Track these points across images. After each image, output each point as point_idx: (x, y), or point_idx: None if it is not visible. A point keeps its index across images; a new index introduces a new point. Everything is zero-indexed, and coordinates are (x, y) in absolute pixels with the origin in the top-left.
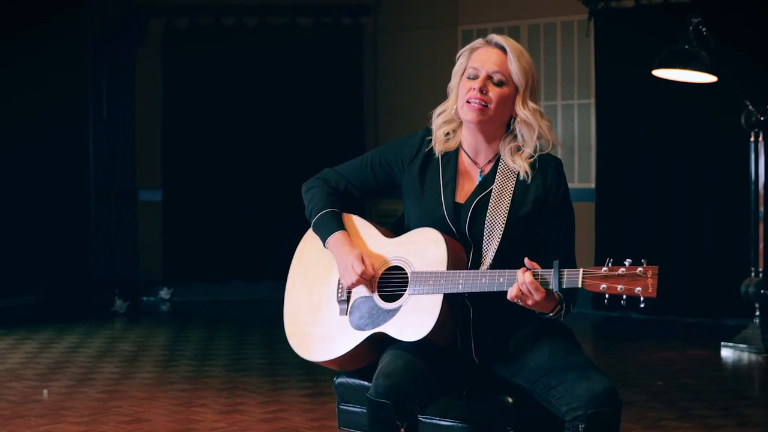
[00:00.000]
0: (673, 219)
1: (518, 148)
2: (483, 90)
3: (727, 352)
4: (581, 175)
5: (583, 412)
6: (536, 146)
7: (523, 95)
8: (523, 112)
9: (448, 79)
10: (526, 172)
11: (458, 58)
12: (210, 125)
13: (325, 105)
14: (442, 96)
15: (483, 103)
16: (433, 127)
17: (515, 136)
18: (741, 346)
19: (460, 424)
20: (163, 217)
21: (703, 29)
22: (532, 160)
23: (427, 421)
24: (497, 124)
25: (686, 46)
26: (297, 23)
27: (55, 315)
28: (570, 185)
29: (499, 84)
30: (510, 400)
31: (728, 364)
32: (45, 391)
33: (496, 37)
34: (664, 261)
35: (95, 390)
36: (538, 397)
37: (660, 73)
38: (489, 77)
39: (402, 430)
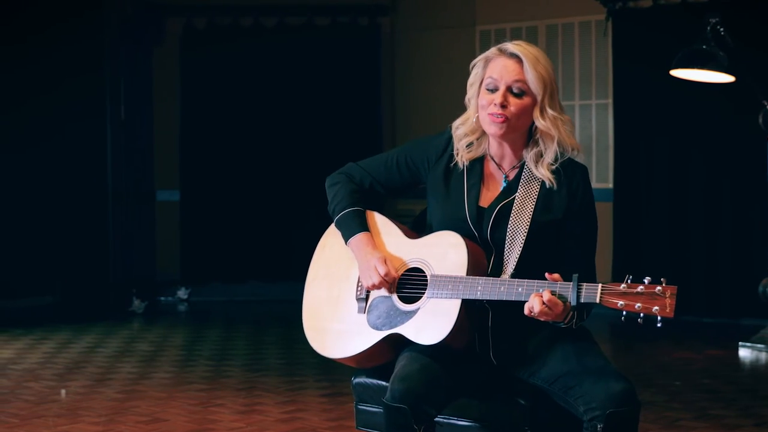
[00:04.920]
0: (691, 219)
1: (541, 155)
2: (504, 104)
3: (744, 352)
4: (599, 176)
5: (601, 412)
6: (557, 153)
7: (541, 104)
8: (542, 123)
9: (466, 78)
10: (550, 180)
11: (472, 68)
12: (228, 125)
13: (342, 105)
14: (460, 96)
15: (505, 117)
16: (454, 139)
17: (537, 142)
18: (759, 346)
19: (477, 425)
20: (181, 217)
21: (721, 29)
22: (554, 167)
23: (444, 421)
24: (520, 132)
25: (704, 46)
26: (314, 23)
27: (73, 315)
28: None
29: (519, 94)
30: (527, 401)
31: (746, 364)
32: (63, 391)
33: (510, 47)
34: (682, 261)
35: (113, 390)
36: (556, 398)
37: (678, 73)
38: (509, 88)
39: None
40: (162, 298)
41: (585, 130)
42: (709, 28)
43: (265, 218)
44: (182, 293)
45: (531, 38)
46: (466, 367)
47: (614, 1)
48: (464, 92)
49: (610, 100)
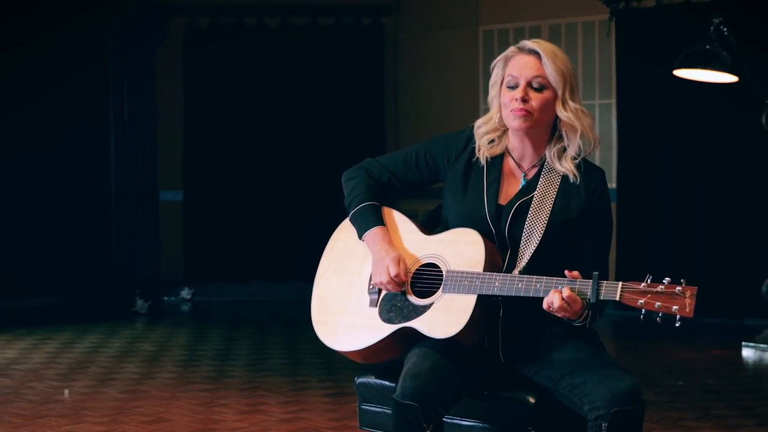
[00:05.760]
0: (694, 218)
1: (564, 150)
2: (525, 99)
3: (748, 352)
4: None
5: (606, 411)
6: (579, 146)
7: (563, 97)
8: (565, 114)
9: (469, 78)
10: (574, 174)
11: (493, 68)
12: (231, 125)
13: (345, 105)
14: (464, 96)
15: (527, 111)
16: (476, 137)
17: (560, 137)
18: (762, 346)
19: (481, 424)
20: (184, 217)
21: (725, 29)
22: (577, 161)
23: (449, 421)
24: (543, 127)
25: (707, 46)
26: (318, 23)
27: (76, 315)
28: None
29: (540, 89)
30: (532, 400)
31: (749, 364)
32: (66, 391)
33: (528, 43)
34: (685, 261)
35: (116, 390)
36: (561, 397)
37: (681, 73)
38: (529, 84)
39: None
40: (165, 298)
41: None
42: (712, 27)
43: (269, 218)
44: (185, 293)
45: (534, 38)
46: (474, 366)
47: (617, 1)
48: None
49: (614, 100)
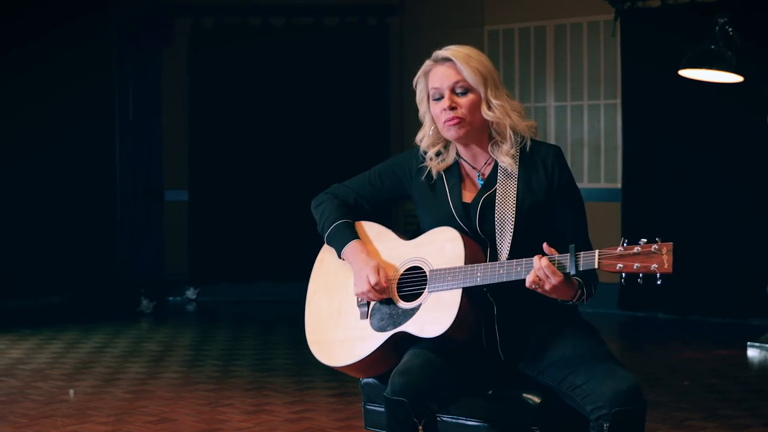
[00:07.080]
0: (699, 219)
1: (499, 144)
2: (453, 106)
3: (753, 352)
4: (607, 175)
5: (607, 410)
6: (512, 139)
7: (486, 98)
8: (490, 114)
9: None
10: (511, 166)
11: (416, 86)
12: (236, 125)
13: (351, 105)
14: None
15: (459, 118)
16: (422, 152)
17: (496, 134)
18: (767, 345)
19: (485, 424)
20: (190, 216)
21: (730, 29)
22: (513, 152)
23: (452, 420)
24: (478, 128)
25: (712, 46)
26: (323, 23)
27: (82, 315)
28: (596, 185)
29: (464, 93)
30: (536, 399)
31: (754, 364)
32: (71, 391)
33: (441, 53)
34: (690, 261)
35: (121, 390)
36: (564, 396)
37: (686, 73)
38: (452, 91)
39: (420, 428)
40: (170, 298)
41: (593, 130)
42: (717, 27)
43: (274, 218)
44: (191, 293)
45: (539, 38)
46: (472, 363)
47: (623, 1)
48: (420, 120)
49: (619, 100)
